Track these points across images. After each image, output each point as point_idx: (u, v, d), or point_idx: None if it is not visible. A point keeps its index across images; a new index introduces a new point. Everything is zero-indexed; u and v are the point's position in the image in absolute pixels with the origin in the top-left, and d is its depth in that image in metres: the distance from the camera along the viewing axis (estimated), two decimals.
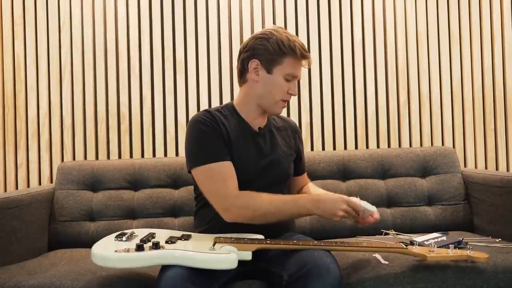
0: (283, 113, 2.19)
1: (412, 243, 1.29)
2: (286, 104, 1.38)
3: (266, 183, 1.29)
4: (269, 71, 1.32)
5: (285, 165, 1.42)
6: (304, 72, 2.25)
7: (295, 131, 1.53)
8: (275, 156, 1.38)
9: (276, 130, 1.45)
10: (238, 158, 1.32)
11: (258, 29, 2.24)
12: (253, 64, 1.33)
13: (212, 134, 1.30)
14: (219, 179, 1.26)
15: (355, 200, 1.26)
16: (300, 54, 1.31)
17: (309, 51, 2.23)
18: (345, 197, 1.25)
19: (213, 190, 1.27)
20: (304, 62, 1.35)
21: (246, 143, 1.35)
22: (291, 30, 2.26)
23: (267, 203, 1.23)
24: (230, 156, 1.31)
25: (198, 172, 1.29)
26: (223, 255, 1.08)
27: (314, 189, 1.57)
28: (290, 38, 1.31)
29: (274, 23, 2.25)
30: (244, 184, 1.27)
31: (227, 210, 1.25)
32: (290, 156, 1.46)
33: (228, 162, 1.29)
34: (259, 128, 1.40)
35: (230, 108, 1.41)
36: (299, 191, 1.57)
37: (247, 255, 1.13)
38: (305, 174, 1.59)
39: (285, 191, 1.46)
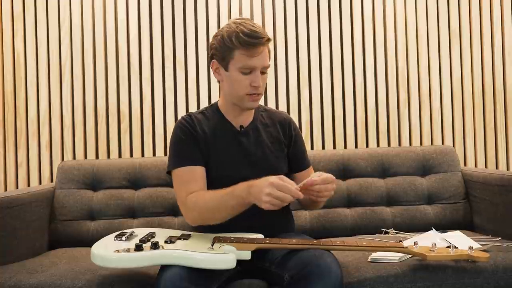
0: (283, 107, 2.20)
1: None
2: (257, 97, 1.31)
3: None
4: (226, 68, 1.30)
5: (273, 163, 1.38)
6: (304, 72, 2.25)
7: (286, 124, 1.45)
8: (260, 154, 1.36)
9: (263, 127, 1.41)
10: (218, 159, 1.33)
11: None
12: (213, 65, 1.33)
13: (186, 140, 1.32)
14: (180, 184, 1.30)
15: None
16: (241, 44, 1.24)
17: (309, 50, 2.25)
18: (275, 180, 1.09)
19: (176, 195, 1.31)
20: (259, 49, 1.25)
21: (227, 143, 1.35)
22: (290, 29, 2.26)
23: (209, 199, 1.21)
24: (204, 161, 1.32)
25: (172, 177, 1.33)
26: (221, 255, 1.08)
27: None
28: (236, 30, 1.24)
29: (273, 20, 2.25)
30: (230, 184, 1.23)
31: (184, 215, 1.29)
32: (279, 153, 1.41)
33: (195, 167, 1.30)
34: (241, 126, 1.38)
35: (214, 108, 1.41)
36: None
37: (246, 255, 1.13)
38: (311, 169, 1.49)
39: None
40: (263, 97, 2.22)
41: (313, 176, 1.16)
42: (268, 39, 1.27)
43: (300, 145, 1.48)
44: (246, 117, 1.39)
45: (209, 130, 1.35)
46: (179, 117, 2.18)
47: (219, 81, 1.38)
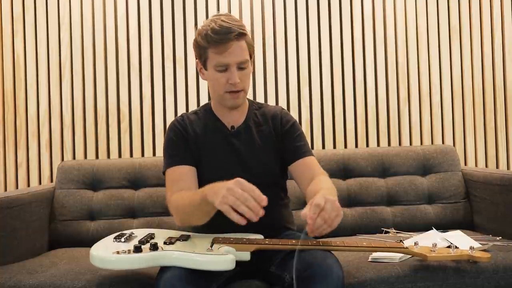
0: (283, 106, 2.20)
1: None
2: (238, 94, 1.28)
3: None
4: (205, 67, 1.29)
5: (265, 164, 1.34)
6: (304, 71, 2.25)
7: (277, 118, 1.38)
8: (251, 154, 1.33)
9: (256, 126, 1.37)
10: (209, 161, 1.32)
11: (257, 25, 2.24)
12: (198, 65, 1.33)
13: (177, 142, 1.32)
14: (168, 184, 1.30)
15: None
16: (213, 41, 1.21)
17: (309, 48, 2.25)
18: (241, 179, 1.01)
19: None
20: (229, 45, 1.21)
21: (218, 144, 1.34)
22: (290, 27, 2.25)
23: (183, 200, 1.18)
24: (196, 161, 1.31)
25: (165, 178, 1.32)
26: (220, 256, 1.07)
27: (318, 184, 1.24)
28: (208, 27, 1.22)
29: (273, 18, 2.24)
30: None
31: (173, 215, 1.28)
32: (272, 153, 1.36)
33: (183, 166, 1.30)
34: (232, 126, 1.36)
35: (207, 108, 1.40)
36: (306, 182, 1.30)
37: (246, 256, 1.13)
38: (308, 162, 1.33)
39: (273, 193, 1.31)
40: (262, 95, 2.22)
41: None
42: (240, 33, 1.23)
43: (293, 133, 1.38)
44: (238, 116, 1.37)
45: (201, 130, 1.35)
46: None
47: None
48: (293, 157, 1.35)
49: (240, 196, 0.98)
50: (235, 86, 1.25)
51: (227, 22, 1.22)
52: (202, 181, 1.31)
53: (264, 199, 1.00)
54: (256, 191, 1.00)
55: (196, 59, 1.33)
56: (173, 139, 1.33)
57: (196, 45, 1.28)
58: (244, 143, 1.35)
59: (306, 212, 1.00)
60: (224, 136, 1.35)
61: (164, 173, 1.34)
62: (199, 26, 1.31)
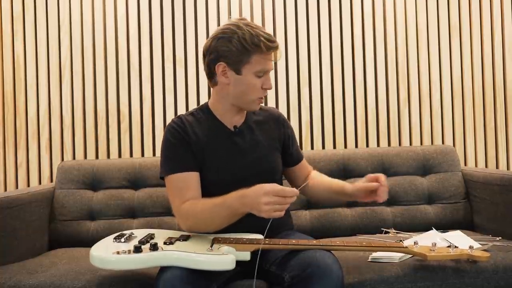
0: (283, 106, 2.20)
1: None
2: (263, 99, 1.35)
3: (253, 183, 1.20)
4: (237, 72, 1.27)
5: (270, 162, 1.37)
6: (304, 71, 2.25)
7: (279, 121, 1.44)
8: (257, 153, 1.35)
9: (257, 125, 1.40)
10: (213, 161, 1.31)
11: None
12: (220, 67, 1.28)
13: (177, 145, 1.30)
14: (174, 192, 1.28)
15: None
16: (266, 48, 1.24)
17: (308, 47, 2.25)
18: (269, 187, 1.10)
19: (171, 202, 1.30)
20: (273, 53, 1.28)
21: (221, 144, 1.33)
22: (290, 25, 2.25)
23: (200, 210, 1.21)
24: (199, 165, 1.30)
25: (166, 183, 1.31)
26: (220, 256, 1.08)
27: (317, 177, 1.48)
28: (253, 33, 1.23)
29: (273, 17, 2.24)
30: (228, 186, 1.20)
31: (178, 222, 1.30)
32: (275, 151, 1.40)
33: (188, 173, 1.28)
34: (235, 126, 1.36)
35: (205, 110, 1.38)
36: (303, 181, 1.45)
37: (246, 256, 1.13)
38: (304, 162, 1.50)
39: None
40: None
41: (367, 182, 1.27)
42: None
43: (293, 138, 1.49)
44: (240, 117, 1.38)
45: (202, 132, 1.33)
46: None
47: (214, 84, 1.34)
48: (294, 162, 1.47)
49: (282, 201, 1.09)
50: (266, 91, 1.32)
51: (264, 29, 1.28)
52: (206, 182, 1.31)
53: (296, 191, 1.12)
54: (287, 189, 1.11)
55: (220, 62, 1.27)
56: (172, 142, 1.30)
57: (238, 48, 1.24)
58: (249, 142, 1.36)
59: (381, 177, 1.25)
60: (228, 137, 1.35)
61: (163, 177, 1.31)
62: (223, 28, 1.29)
